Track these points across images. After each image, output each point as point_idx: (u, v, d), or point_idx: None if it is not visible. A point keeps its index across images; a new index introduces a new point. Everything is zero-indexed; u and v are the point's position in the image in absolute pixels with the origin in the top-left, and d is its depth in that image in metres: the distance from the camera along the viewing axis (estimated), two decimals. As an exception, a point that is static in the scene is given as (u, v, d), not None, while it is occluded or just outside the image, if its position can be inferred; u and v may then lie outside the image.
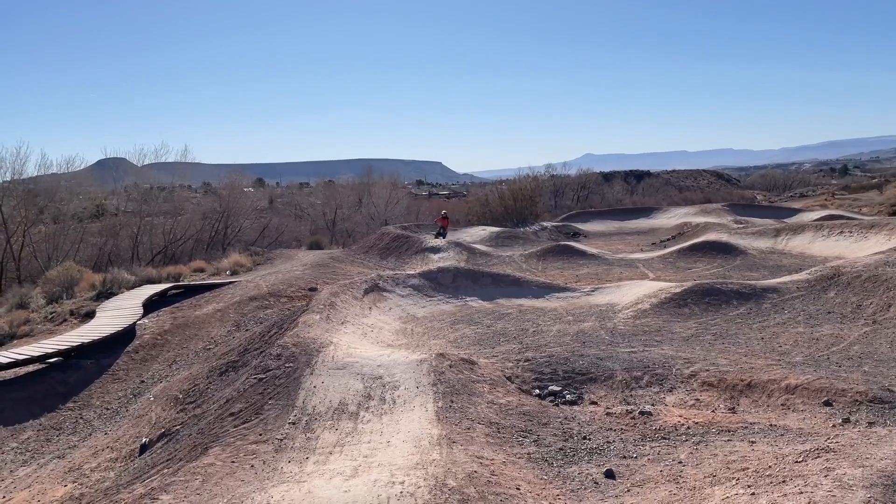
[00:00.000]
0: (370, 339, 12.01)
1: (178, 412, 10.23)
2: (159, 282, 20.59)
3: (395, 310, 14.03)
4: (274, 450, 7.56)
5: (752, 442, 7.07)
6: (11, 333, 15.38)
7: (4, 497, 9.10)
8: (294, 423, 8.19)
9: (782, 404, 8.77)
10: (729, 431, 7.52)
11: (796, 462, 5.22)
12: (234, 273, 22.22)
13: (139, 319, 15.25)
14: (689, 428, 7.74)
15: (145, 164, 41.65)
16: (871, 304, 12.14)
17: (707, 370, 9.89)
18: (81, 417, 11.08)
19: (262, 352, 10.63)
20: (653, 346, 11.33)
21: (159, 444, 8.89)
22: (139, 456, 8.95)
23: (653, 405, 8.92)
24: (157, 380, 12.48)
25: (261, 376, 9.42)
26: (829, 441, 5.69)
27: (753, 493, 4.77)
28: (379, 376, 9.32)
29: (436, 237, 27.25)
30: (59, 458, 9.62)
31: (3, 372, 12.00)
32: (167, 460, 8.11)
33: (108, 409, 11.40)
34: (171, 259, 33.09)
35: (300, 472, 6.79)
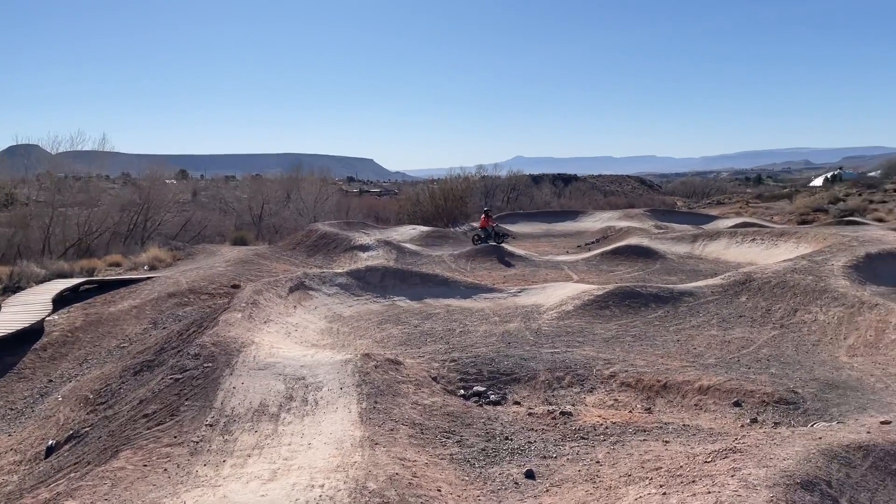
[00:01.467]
0: (294, 338, 11.79)
1: (87, 413, 9.76)
2: (72, 276, 19.62)
3: (321, 309, 13.83)
4: (189, 453, 7.31)
5: (667, 442, 7.31)
6: None
7: None
8: (211, 426, 7.95)
9: (695, 405, 9.11)
10: (645, 431, 7.76)
11: (706, 462, 5.42)
12: (152, 268, 21.40)
13: (48, 315, 14.48)
14: (607, 428, 7.94)
15: (60, 151, 39.56)
16: (779, 308, 12.76)
17: (626, 371, 10.17)
18: (-18, 419, 10.45)
19: (179, 351, 10.27)
20: (575, 346, 11.56)
21: (67, 447, 8.46)
22: (45, 459, 8.49)
23: (573, 405, 9.11)
24: (66, 379, 11.88)
25: (177, 376, 9.10)
26: (736, 441, 5.94)
27: (665, 493, 4.93)
28: (302, 377, 9.16)
29: (481, 241, 25.16)
30: (-45, 462, 9.02)
31: None
32: (75, 463, 7.72)
33: (12, 410, 10.78)
34: (85, 252, 31.56)
35: (216, 475, 6.59)
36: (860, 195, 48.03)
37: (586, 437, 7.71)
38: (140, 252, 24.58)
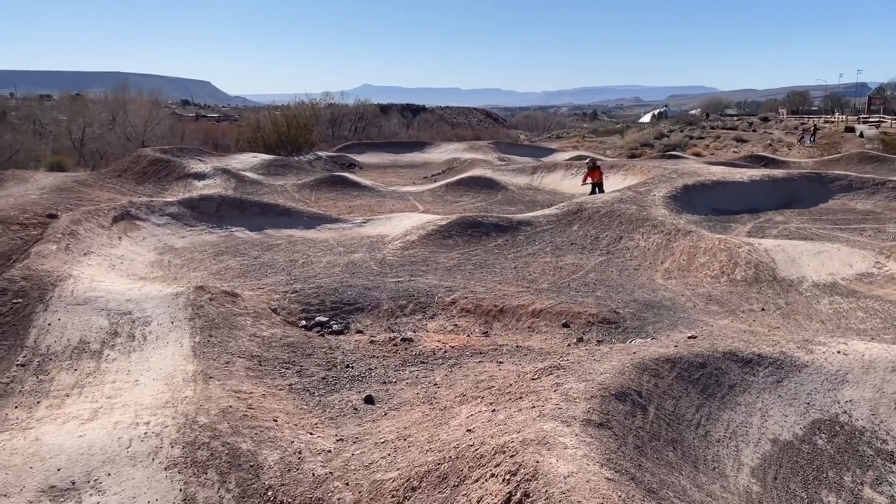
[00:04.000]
0: (120, 271, 10.98)
1: None
2: None
3: (150, 240, 12.94)
4: (-3, 396, 6.67)
5: (500, 363, 7.66)
6: None
7: None
8: (23, 365, 7.27)
9: (529, 327, 9.61)
10: (481, 353, 8.09)
11: (532, 379, 5.75)
12: (-50, 196, 18.90)
13: None
14: (446, 352, 8.19)
15: None
16: (606, 236, 13.67)
17: (466, 297, 10.49)
18: None
19: (-17, 287, 9.22)
20: (419, 275, 11.73)
21: None
22: None
23: (415, 332, 9.29)
24: None
25: (-19, 314, 8.19)
26: (561, 359, 6.34)
27: (494, 410, 5.18)
28: (128, 311, 8.57)
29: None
30: None
31: None
32: None
33: None
34: None
35: (29, 417, 6.06)
36: (682, 131, 52.15)
37: (426, 361, 7.91)
38: (-66, 178, 21.56)
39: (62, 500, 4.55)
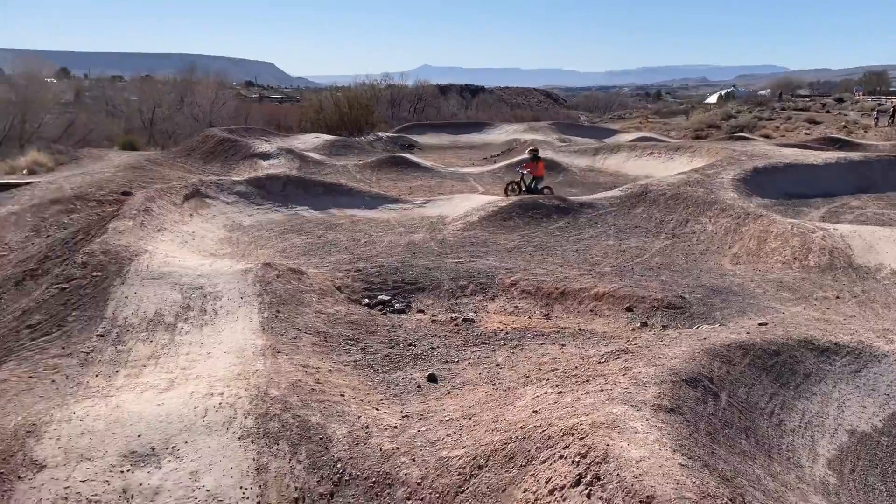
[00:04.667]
0: (191, 247, 11.34)
1: (-37, 326, 9.13)
2: (-61, 181, 17.93)
3: (220, 217, 13.31)
4: (79, 364, 6.99)
5: (563, 345, 7.62)
6: None
7: None
8: (103, 336, 7.61)
9: (591, 310, 9.51)
10: (543, 336, 8.06)
11: (599, 363, 5.70)
12: (31, 173, 19.85)
13: (-88, 222, 13.24)
14: (507, 333, 8.19)
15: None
16: (672, 219, 13.36)
17: (526, 279, 10.44)
18: None
19: (65, 260, 9.67)
20: (479, 257, 11.74)
21: (-60, 362, 7.90)
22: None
23: (475, 313, 9.31)
24: (-63, 291, 11.00)
25: (63, 286, 8.59)
26: (628, 343, 6.26)
27: (560, 392, 5.16)
28: (199, 286, 8.86)
29: (524, 191, 17.33)
30: None
31: None
32: (-49, 379, 7.25)
33: None
34: (-46, 156, 28.85)
35: (109, 386, 6.35)
36: (750, 112, 50.38)
37: (487, 342, 7.93)
38: (18, 156, 22.67)
39: (143, 465, 4.77)
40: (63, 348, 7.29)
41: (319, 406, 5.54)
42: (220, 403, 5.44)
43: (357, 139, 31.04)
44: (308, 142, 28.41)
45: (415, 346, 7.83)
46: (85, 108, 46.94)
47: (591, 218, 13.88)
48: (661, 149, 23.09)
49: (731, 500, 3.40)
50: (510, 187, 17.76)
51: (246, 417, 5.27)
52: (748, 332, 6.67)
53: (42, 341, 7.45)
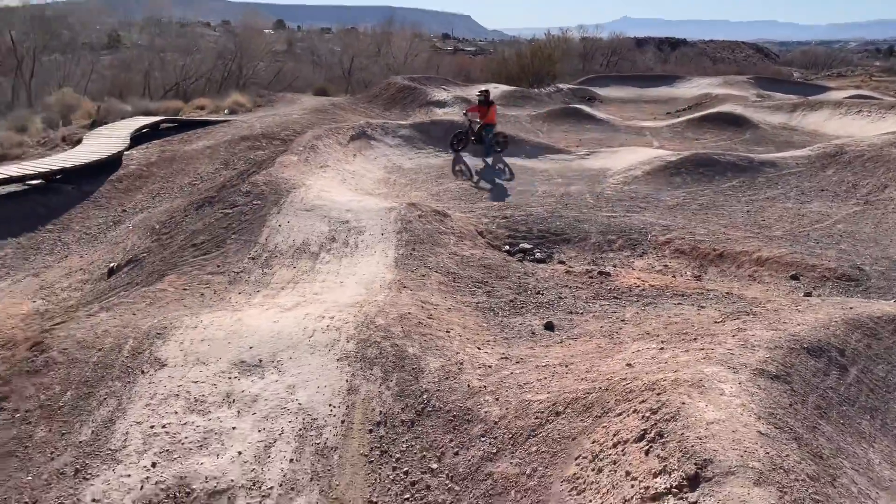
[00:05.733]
0: (349, 185, 11.85)
1: (152, 242, 10.31)
2: (156, 115, 20.27)
3: (381, 159, 13.77)
4: (228, 281, 7.63)
5: (702, 307, 6.99)
6: (2, 155, 15.35)
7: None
8: (254, 259, 8.22)
9: (750, 276, 8.67)
10: (682, 296, 7.45)
11: (715, 322, 5.14)
12: (232, 112, 21.80)
13: (126, 150, 15.12)
14: (643, 290, 7.68)
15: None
16: (867, 183, 11.70)
17: (682, 238, 9.73)
18: (60, 240, 11.24)
19: (235, 188, 10.55)
20: (635, 212, 11.11)
21: (125, 269, 9.02)
22: (107, 279, 9.11)
23: (615, 267, 8.85)
24: (138, 210, 12.53)
25: (227, 211, 9.39)
26: (756, 306, 5.58)
27: (662, 348, 4.73)
28: (346, 220, 9.25)
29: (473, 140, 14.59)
30: (33, 275, 9.83)
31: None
32: (127, 284, 8.25)
33: (86, 234, 11.54)
34: (182, 97, 32.47)
35: (246, 303, 6.86)
36: None
37: (619, 297, 7.50)
38: (224, 97, 25.01)
39: (249, 374, 5.10)
40: (218, 266, 7.98)
41: (420, 339, 5.57)
42: (327, 326, 5.66)
43: (536, 90, 30.47)
44: (486, 92, 28.38)
45: (542, 294, 7.61)
46: (294, 57, 50.64)
47: (770, 178, 12.55)
48: (872, 107, 20.17)
49: (812, 477, 2.91)
50: (455, 139, 14.42)
51: (348, 341, 5.44)
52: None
53: (201, 259, 8.22)
